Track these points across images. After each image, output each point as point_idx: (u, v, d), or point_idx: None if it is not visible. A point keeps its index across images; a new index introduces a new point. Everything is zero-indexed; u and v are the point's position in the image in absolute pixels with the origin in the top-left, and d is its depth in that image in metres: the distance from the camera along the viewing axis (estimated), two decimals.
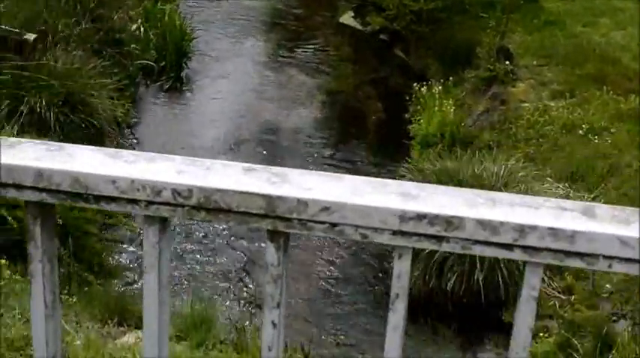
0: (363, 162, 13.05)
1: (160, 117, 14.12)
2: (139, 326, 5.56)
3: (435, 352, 9.33)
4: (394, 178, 11.63)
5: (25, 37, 11.23)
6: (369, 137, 14.08)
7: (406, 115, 13.97)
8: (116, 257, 9.82)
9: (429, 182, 10.39)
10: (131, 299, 7.86)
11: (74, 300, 6.16)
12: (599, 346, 8.28)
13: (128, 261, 10.19)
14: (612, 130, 11.94)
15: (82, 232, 8.48)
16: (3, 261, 6.07)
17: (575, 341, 8.60)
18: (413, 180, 10.29)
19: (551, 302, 9.38)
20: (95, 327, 5.44)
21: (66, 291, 6.40)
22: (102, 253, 8.89)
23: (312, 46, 16.92)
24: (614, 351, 8.01)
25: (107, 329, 5.53)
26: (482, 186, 10.10)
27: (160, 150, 13.05)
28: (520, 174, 10.49)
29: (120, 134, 12.96)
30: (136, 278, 9.79)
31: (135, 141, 13.26)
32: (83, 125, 11.08)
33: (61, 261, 8.17)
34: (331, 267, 10.60)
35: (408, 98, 14.13)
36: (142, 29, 15.10)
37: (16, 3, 12.45)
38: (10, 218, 7.64)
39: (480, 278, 9.41)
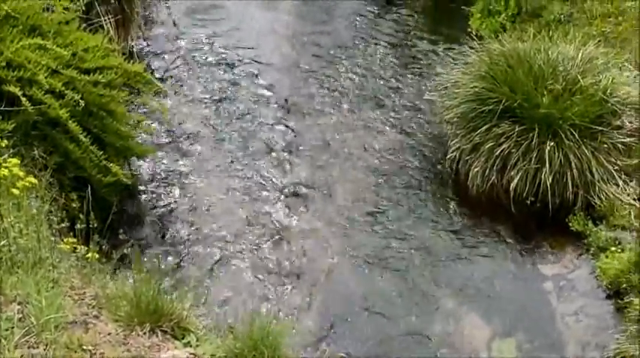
0: (416, 28, 12.54)
1: None
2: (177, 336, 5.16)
3: (492, 259, 8.94)
4: (455, 53, 11.39)
5: None
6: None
7: None
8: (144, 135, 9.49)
9: (497, 65, 9.82)
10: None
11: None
12: None
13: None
14: None
15: (106, 111, 8.03)
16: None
17: None
18: (478, 63, 9.98)
19: (626, 210, 8.86)
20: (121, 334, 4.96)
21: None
22: (128, 137, 8.44)
23: None
24: None
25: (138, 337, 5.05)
26: (557, 74, 9.56)
27: (193, 3, 12.70)
28: (599, 62, 9.88)
29: None
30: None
31: None
32: None
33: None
34: None
35: None
36: None
37: None
38: (23, 97, 7.19)
39: (549, 179, 9.00)
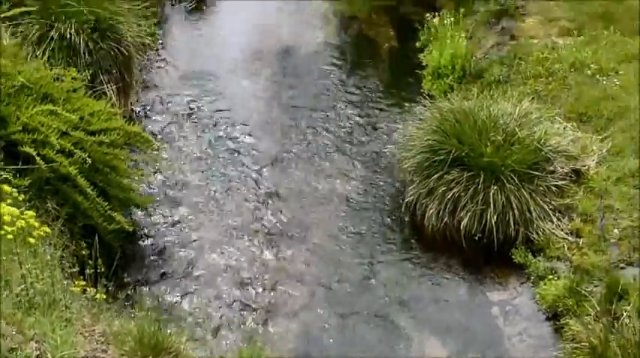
0: (376, 90, 12.54)
1: (184, 37, 13.58)
2: None
3: (447, 288, 8.93)
4: (410, 109, 11.46)
5: None
6: (383, 64, 13.34)
7: (417, 44, 13.26)
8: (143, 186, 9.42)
9: (447, 120, 9.86)
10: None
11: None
12: (610, 294, 7.86)
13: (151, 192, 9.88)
14: (620, 72, 11.15)
15: (110, 167, 8.00)
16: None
17: (584, 288, 8.19)
18: (431, 119, 10.02)
19: (560, 243, 8.87)
20: None
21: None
22: (129, 190, 8.41)
23: None
24: (628, 304, 7.58)
25: None
26: (498, 128, 9.60)
27: (185, 69, 12.68)
28: (534, 116, 9.94)
29: (147, 56, 12.49)
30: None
31: (161, 62, 12.77)
32: (112, 52, 10.45)
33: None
34: None
35: (418, 27, 13.38)
36: None
37: None
38: (37, 157, 7.16)
39: (493, 218, 8.94)
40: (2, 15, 9.39)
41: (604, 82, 11.05)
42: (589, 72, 11.23)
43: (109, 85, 10.36)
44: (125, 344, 5.10)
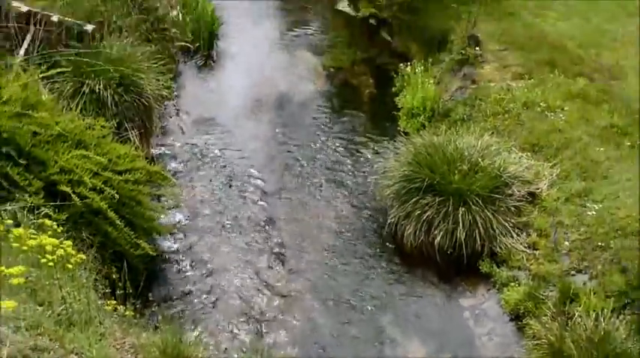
0: (360, 129, 12.55)
1: (196, 89, 13.57)
2: None
3: (423, 297, 8.87)
4: (388, 144, 11.47)
5: (85, 27, 10.49)
6: (364, 107, 13.32)
7: (393, 89, 13.28)
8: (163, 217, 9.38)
9: (420, 153, 9.87)
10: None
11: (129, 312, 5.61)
12: (563, 297, 7.85)
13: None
14: (565, 108, 11.20)
15: (135, 201, 7.98)
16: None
17: (541, 293, 8.18)
18: (406, 152, 10.03)
19: (520, 255, 8.87)
20: None
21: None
22: (152, 220, 8.37)
23: (315, 29, 16.20)
24: (579, 306, 7.57)
25: None
26: (463, 158, 9.62)
27: (197, 116, 12.71)
28: (493, 148, 9.98)
29: (165, 106, 12.49)
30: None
31: (176, 111, 12.77)
32: (134, 103, 10.45)
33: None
34: None
35: (393, 75, 13.44)
36: (180, 16, 14.40)
37: None
38: (73, 194, 7.15)
39: (462, 235, 8.95)
40: (42, 75, 9.39)
41: (552, 118, 11.07)
42: (539, 109, 11.26)
43: (132, 131, 10.32)
44: (151, 354, 5.04)
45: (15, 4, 10.51)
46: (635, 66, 12.63)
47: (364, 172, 11.16)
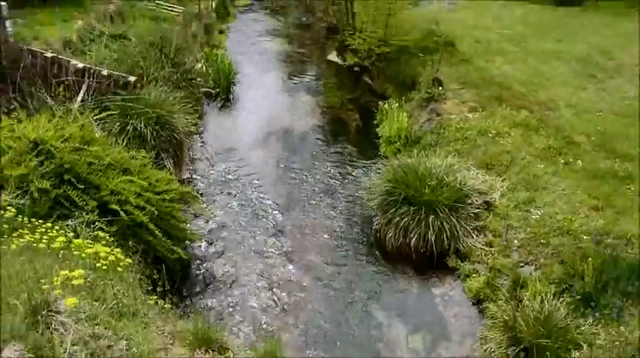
0: (349, 154, 12.57)
1: (217, 126, 13.61)
2: (221, 353, 5.08)
3: (403, 286, 8.85)
4: (372, 165, 11.47)
5: (128, 79, 10.60)
6: (352, 137, 13.37)
7: (374, 122, 13.36)
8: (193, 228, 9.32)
9: (397, 173, 9.87)
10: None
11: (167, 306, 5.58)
12: (515, 285, 7.83)
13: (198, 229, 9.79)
14: (511, 134, 11.29)
15: (170, 216, 7.96)
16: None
17: (497, 282, 8.16)
18: (386, 172, 10.02)
19: (479, 252, 8.87)
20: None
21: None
22: (184, 231, 8.34)
23: (312, 76, 16.35)
24: (527, 291, 7.54)
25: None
26: (432, 176, 9.62)
27: (219, 147, 12.72)
28: (455, 167, 9.99)
29: (193, 139, 12.50)
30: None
31: (202, 143, 12.77)
32: (169, 137, 10.48)
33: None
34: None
35: (374, 110, 13.54)
36: (204, 68, 14.62)
37: (122, 56, 11.95)
38: (121, 211, 7.15)
39: (433, 237, 8.95)
40: (95, 117, 9.43)
41: (501, 142, 11.12)
42: (490, 135, 11.31)
43: (167, 160, 10.35)
44: (186, 338, 5.02)
45: (73, 61, 10.58)
46: (565, 99, 12.73)
47: (353, 188, 11.16)
